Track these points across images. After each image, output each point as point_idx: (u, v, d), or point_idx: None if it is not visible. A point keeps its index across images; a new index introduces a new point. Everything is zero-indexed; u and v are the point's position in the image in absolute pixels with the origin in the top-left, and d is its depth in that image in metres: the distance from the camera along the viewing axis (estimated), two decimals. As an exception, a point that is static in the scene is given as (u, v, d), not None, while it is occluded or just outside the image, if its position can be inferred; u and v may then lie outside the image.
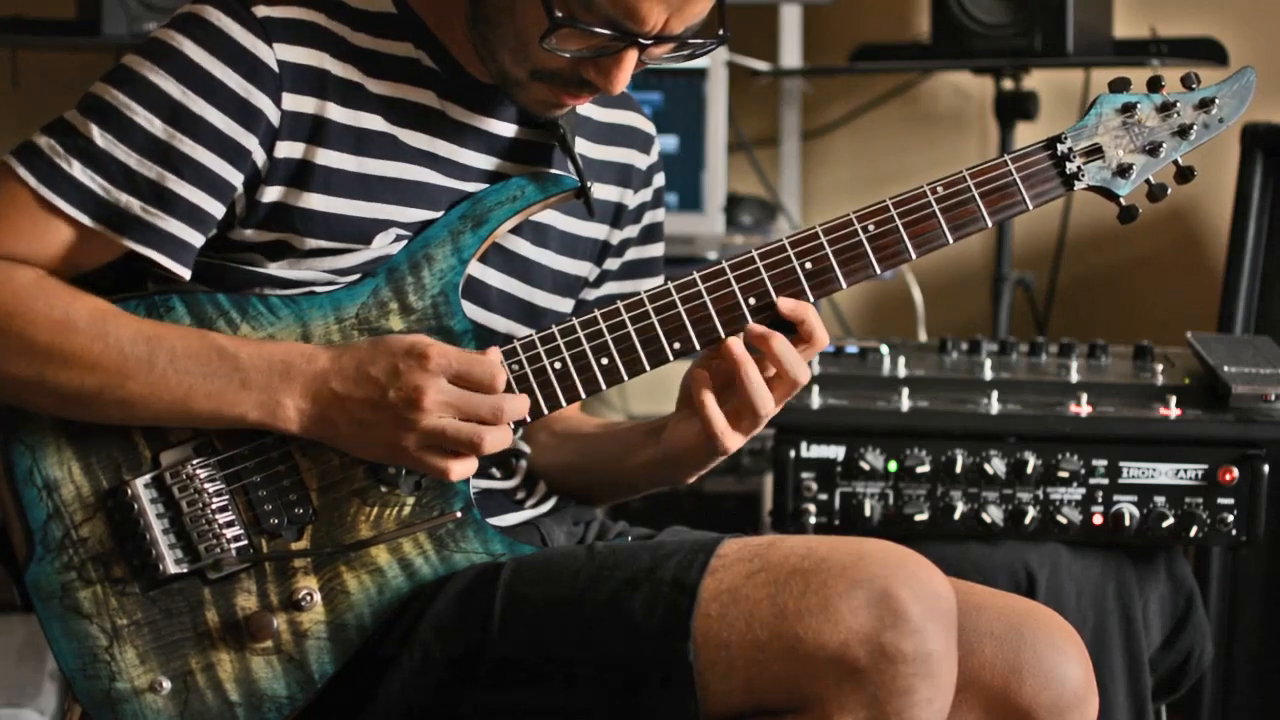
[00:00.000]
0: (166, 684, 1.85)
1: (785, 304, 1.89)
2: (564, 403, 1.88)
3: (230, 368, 1.81)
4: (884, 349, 2.63)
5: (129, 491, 1.85)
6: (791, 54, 3.58)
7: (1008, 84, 3.38)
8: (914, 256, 1.92)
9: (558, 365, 1.88)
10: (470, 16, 1.88)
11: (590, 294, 2.10)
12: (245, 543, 1.85)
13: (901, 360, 2.55)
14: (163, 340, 1.81)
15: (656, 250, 2.16)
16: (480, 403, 1.81)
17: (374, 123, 1.88)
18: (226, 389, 1.81)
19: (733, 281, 1.90)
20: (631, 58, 1.83)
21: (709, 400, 1.89)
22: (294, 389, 1.81)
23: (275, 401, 1.82)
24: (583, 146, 2.03)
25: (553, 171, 1.98)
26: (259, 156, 1.84)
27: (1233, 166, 3.03)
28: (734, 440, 1.90)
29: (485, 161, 1.95)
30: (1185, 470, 2.40)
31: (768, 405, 1.88)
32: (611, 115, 2.08)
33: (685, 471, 2.01)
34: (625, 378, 1.89)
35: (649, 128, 2.13)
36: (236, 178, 1.84)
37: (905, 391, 2.45)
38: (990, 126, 3.49)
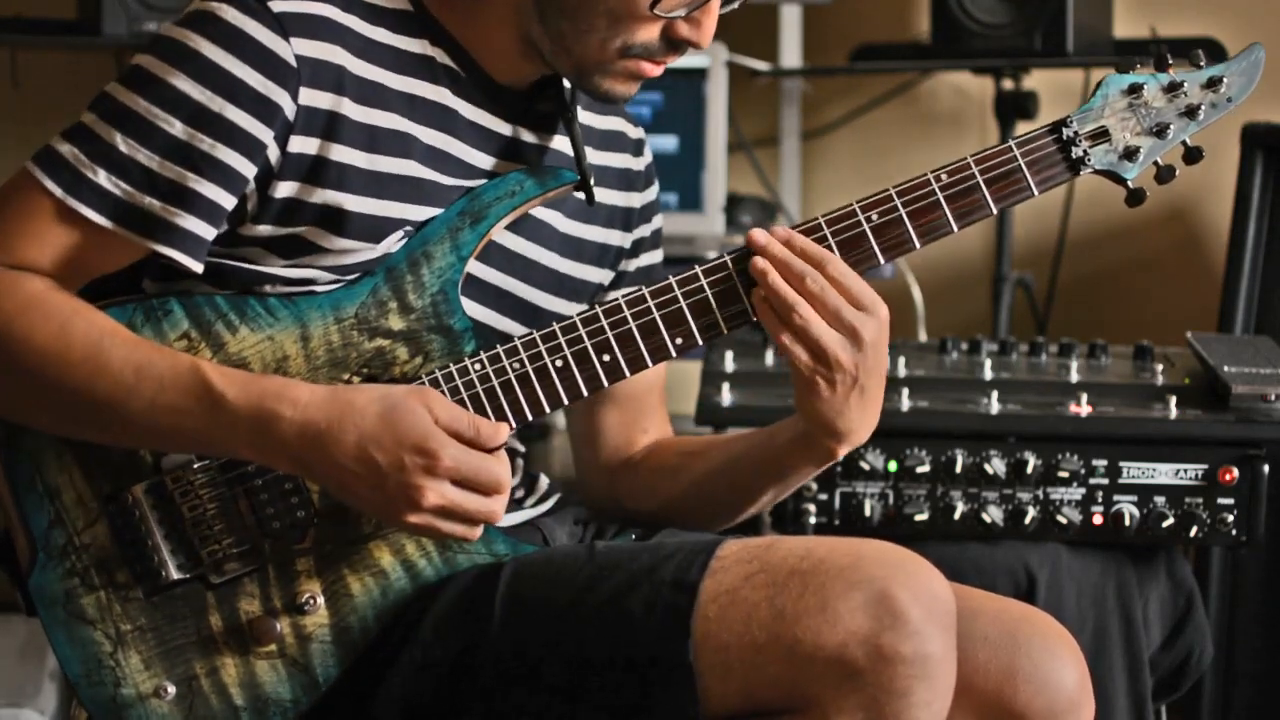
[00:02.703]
0: (171, 689, 1.85)
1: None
2: (565, 400, 1.88)
3: (215, 409, 1.78)
4: (884, 349, 2.62)
5: (130, 497, 1.84)
6: (791, 54, 3.58)
7: (1008, 84, 3.38)
8: (918, 246, 1.90)
9: (559, 362, 1.88)
10: (540, 15, 1.87)
11: (608, 296, 2.09)
12: (247, 546, 1.85)
13: (901, 360, 2.54)
14: (150, 369, 1.79)
15: (660, 256, 2.17)
16: (476, 509, 1.79)
17: (388, 119, 1.88)
18: (212, 430, 1.79)
19: (735, 275, 1.89)
20: (716, 4, 1.86)
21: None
22: (284, 441, 1.77)
23: (264, 451, 1.79)
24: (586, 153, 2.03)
25: (551, 165, 1.97)
26: (273, 152, 1.83)
27: (1233, 166, 3.03)
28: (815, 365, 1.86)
29: (487, 161, 1.95)
30: (1185, 470, 2.40)
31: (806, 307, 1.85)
32: (604, 122, 2.09)
33: (825, 437, 1.92)
34: (628, 373, 1.89)
35: (637, 132, 2.13)
36: (250, 170, 1.82)
37: (905, 391, 2.45)
38: (990, 126, 3.49)
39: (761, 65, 3.57)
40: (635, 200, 2.11)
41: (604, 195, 2.05)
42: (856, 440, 1.93)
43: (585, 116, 2.06)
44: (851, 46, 3.54)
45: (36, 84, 3.56)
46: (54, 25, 3.33)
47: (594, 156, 2.05)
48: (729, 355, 2.55)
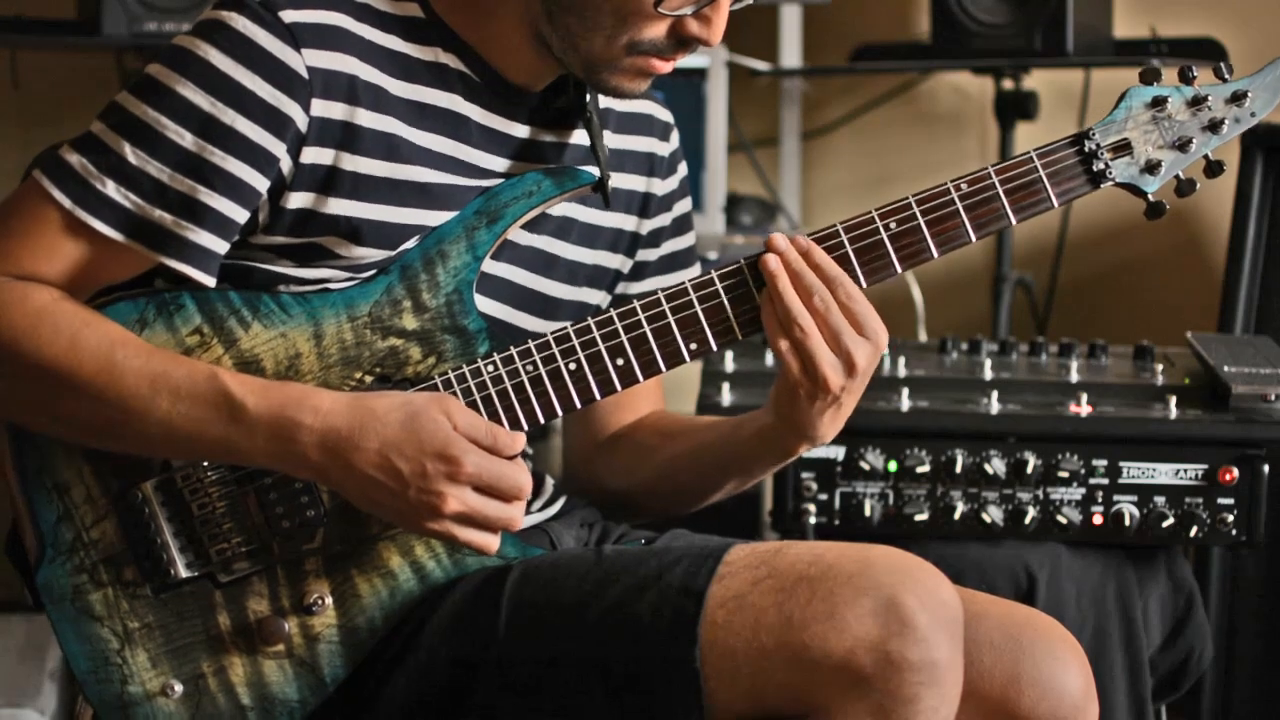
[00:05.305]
0: (178, 687, 1.85)
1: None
2: (578, 404, 1.88)
3: (235, 419, 1.78)
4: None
5: (139, 494, 1.84)
6: (791, 54, 3.58)
7: (1008, 84, 3.38)
8: (936, 255, 1.89)
9: (572, 366, 1.88)
10: (548, 13, 1.86)
11: (633, 288, 2.09)
12: (256, 545, 1.85)
13: (901, 360, 2.55)
14: (167, 380, 1.78)
15: (690, 240, 2.15)
16: (496, 515, 1.79)
17: (400, 128, 1.87)
18: (231, 439, 1.78)
19: (750, 281, 1.89)
20: (726, 2, 1.84)
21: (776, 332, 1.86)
22: (305, 449, 1.77)
23: (284, 459, 1.79)
24: (605, 137, 2.02)
25: (569, 165, 1.97)
26: (285, 163, 1.82)
27: (1233, 166, 3.03)
28: (802, 370, 1.86)
29: (502, 164, 1.94)
30: (1185, 470, 2.40)
31: (806, 318, 1.84)
32: (629, 104, 2.06)
33: (792, 437, 1.94)
34: (641, 379, 1.89)
35: (666, 115, 2.12)
36: (263, 184, 1.82)
37: (905, 391, 2.45)
38: (990, 126, 3.49)
39: (761, 65, 3.57)
40: (656, 187, 2.10)
41: (622, 180, 2.04)
42: (819, 443, 1.94)
43: (609, 99, 2.03)
44: (851, 46, 3.54)
45: (36, 84, 3.56)
46: (54, 25, 3.32)
47: (614, 140, 2.04)
48: (729, 355, 2.55)
